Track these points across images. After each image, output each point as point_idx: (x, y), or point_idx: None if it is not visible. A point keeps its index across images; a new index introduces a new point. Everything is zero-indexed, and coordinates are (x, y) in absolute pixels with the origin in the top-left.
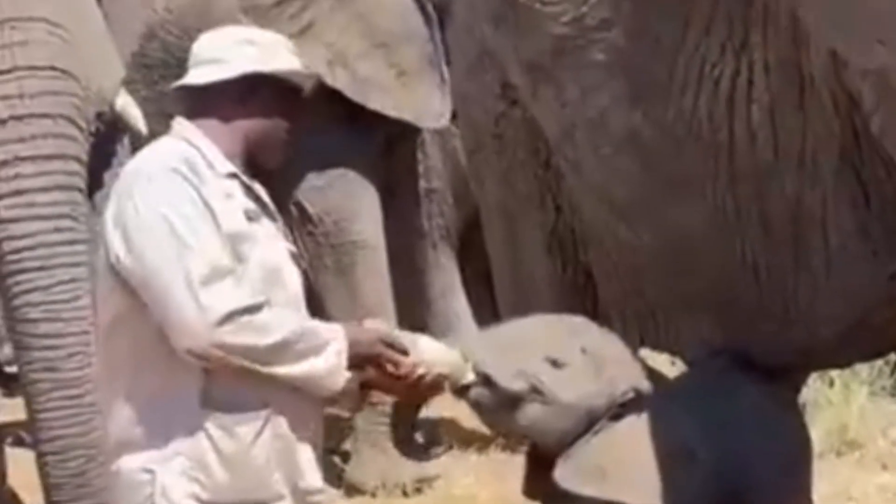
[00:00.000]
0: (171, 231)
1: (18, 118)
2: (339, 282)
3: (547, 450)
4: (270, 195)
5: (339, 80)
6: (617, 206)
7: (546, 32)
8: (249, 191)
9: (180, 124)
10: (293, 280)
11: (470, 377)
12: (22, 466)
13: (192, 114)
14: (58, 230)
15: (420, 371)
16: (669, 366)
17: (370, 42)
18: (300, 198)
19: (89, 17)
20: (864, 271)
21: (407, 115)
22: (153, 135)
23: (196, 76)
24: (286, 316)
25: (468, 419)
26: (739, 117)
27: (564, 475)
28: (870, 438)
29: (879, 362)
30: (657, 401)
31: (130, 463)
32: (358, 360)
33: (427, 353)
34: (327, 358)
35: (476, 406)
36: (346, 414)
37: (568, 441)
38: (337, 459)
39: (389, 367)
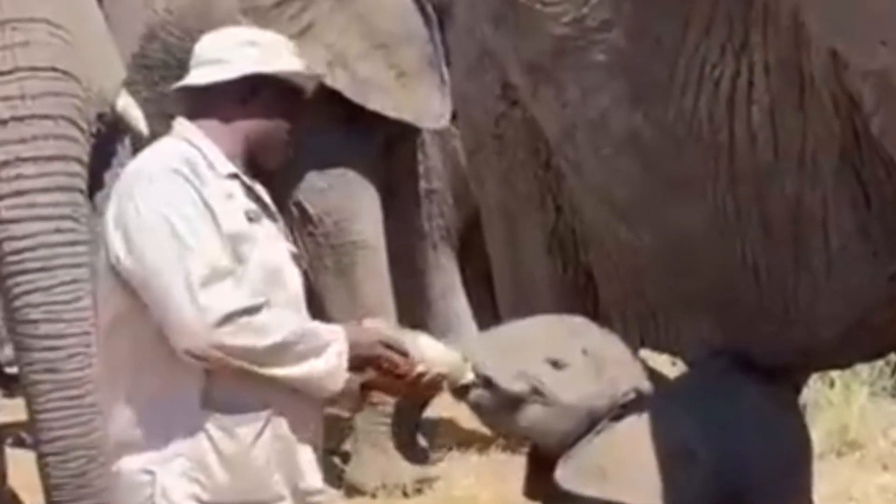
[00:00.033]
0: (172, 232)
1: (20, 119)
2: (340, 282)
3: (548, 451)
4: (271, 195)
5: (338, 81)
6: (617, 206)
7: (546, 33)
8: (250, 191)
9: (181, 125)
10: (294, 281)
11: (469, 377)
12: (22, 467)
13: (193, 114)
14: (59, 231)
15: (419, 369)
16: (670, 366)
17: (370, 43)
18: (300, 198)
19: (90, 18)
20: (864, 272)
21: (407, 116)
22: (154, 136)
23: (197, 77)
24: (286, 317)
25: (468, 420)
26: (740, 118)
27: (565, 476)
28: (870, 439)
29: (880, 363)
30: (658, 401)
31: (131, 464)
32: (358, 362)
33: (427, 351)
34: (328, 359)
35: (477, 408)
36: (346, 414)
37: (569, 442)
38: (337, 460)
39: (389, 367)
